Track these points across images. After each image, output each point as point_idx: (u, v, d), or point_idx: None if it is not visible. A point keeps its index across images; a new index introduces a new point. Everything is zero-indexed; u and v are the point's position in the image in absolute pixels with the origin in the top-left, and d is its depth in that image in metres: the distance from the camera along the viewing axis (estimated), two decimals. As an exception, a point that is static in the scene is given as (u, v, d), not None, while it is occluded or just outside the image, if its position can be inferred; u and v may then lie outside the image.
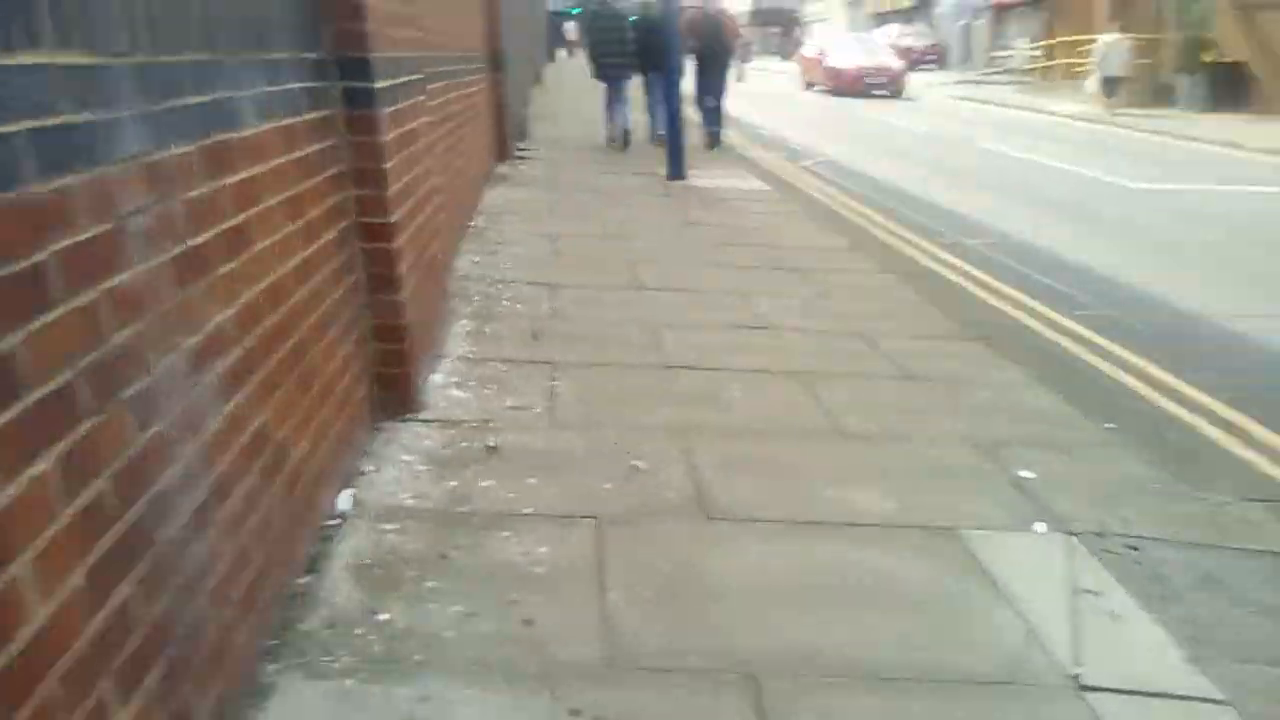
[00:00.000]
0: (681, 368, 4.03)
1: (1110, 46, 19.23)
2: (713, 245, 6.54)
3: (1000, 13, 32.84)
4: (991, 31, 33.58)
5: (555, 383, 3.77)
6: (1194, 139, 15.11)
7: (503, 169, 9.46)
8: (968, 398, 3.89)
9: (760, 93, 25.20)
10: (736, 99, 20.39)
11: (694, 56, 11.74)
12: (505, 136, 10.36)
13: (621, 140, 11.70)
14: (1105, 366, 4.70)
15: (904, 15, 40.23)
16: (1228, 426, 3.99)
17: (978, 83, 27.85)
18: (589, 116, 13.51)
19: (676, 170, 9.39)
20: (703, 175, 9.61)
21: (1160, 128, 16.39)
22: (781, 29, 57.51)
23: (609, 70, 11.58)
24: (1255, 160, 13.09)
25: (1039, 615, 2.40)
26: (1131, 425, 3.76)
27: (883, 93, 23.94)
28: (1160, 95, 20.15)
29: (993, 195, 9.92)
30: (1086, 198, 9.89)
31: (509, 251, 5.98)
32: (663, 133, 10.50)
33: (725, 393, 3.77)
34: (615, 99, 11.69)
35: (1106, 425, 3.67)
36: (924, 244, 7.34)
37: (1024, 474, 3.17)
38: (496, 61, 9.86)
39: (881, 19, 41.97)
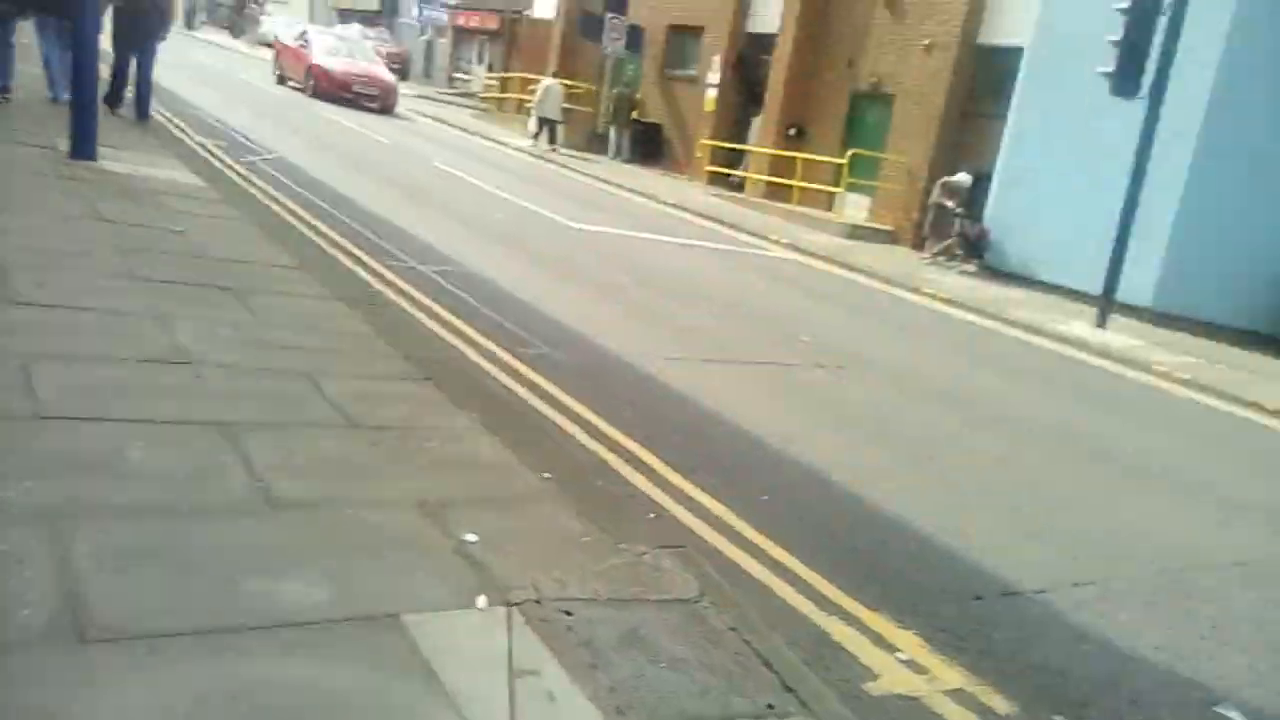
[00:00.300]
0: (65, 419, 3.17)
1: (548, 90, 21.34)
2: (124, 250, 5.46)
3: (461, 34, 34.30)
4: (453, 51, 34.92)
5: None
6: (620, 187, 17.36)
7: None
8: (416, 450, 3.70)
9: (217, 73, 22.73)
10: (187, 79, 18.05)
11: (114, 10, 10.09)
12: None
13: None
14: (544, 408, 4.91)
15: (367, 16, 39.80)
16: (643, 469, 4.42)
17: (439, 100, 28.63)
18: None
19: (85, 148, 7.78)
20: (121, 158, 8.13)
21: (593, 172, 18.53)
22: (235, 1, 53.03)
23: None
24: (660, 210, 15.46)
25: (482, 712, 2.26)
26: (566, 472, 3.92)
27: (373, 105, 21.65)
28: (596, 143, 22.89)
29: (450, 220, 10.10)
30: (533, 232, 10.62)
31: None
32: (65, 97, 8.90)
33: (124, 454, 3.04)
34: None
35: (544, 475, 3.77)
36: (378, 267, 7.10)
37: (469, 537, 3.06)
38: None
39: (345, 15, 41.07)
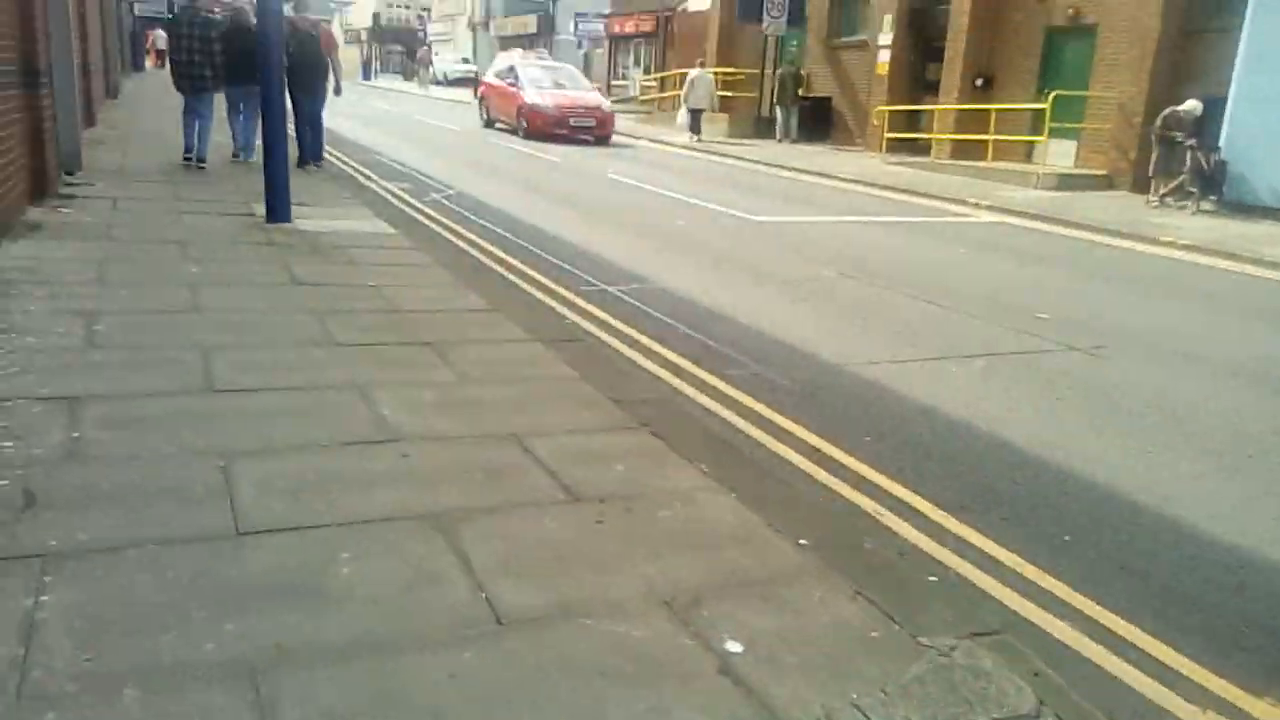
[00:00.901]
0: (264, 532, 2.84)
1: (695, 82, 20.83)
2: (321, 314, 5.29)
3: (618, 42, 34.42)
4: (610, 60, 35.08)
5: (44, 598, 2.40)
6: (796, 170, 16.48)
7: (38, 214, 7.32)
8: (646, 522, 3.15)
9: (394, 117, 23.61)
10: (367, 126, 18.82)
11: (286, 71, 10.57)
12: (47, 170, 8.16)
13: (195, 159, 10.34)
14: (775, 445, 4.26)
15: (526, 40, 40.75)
16: (907, 512, 3.68)
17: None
18: (171, 141, 11.43)
19: (279, 210, 7.89)
20: (314, 215, 8.22)
21: (763, 158, 17.73)
22: (404, 47, 56.13)
23: (189, 81, 10.18)
24: (843, 188, 14.48)
25: None
26: (823, 533, 3.26)
27: (588, 137, 19.14)
28: (762, 127, 22.16)
29: (632, 233, 9.67)
30: (717, 232, 10.00)
31: (16, 345, 4.28)
32: (251, 158, 10.06)
33: (330, 570, 2.66)
34: (193, 112, 10.25)
35: (800, 541, 3.13)
36: (569, 295, 6.70)
37: (732, 647, 2.46)
38: (31, 74, 7.72)
39: (505, 43, 42.27)
